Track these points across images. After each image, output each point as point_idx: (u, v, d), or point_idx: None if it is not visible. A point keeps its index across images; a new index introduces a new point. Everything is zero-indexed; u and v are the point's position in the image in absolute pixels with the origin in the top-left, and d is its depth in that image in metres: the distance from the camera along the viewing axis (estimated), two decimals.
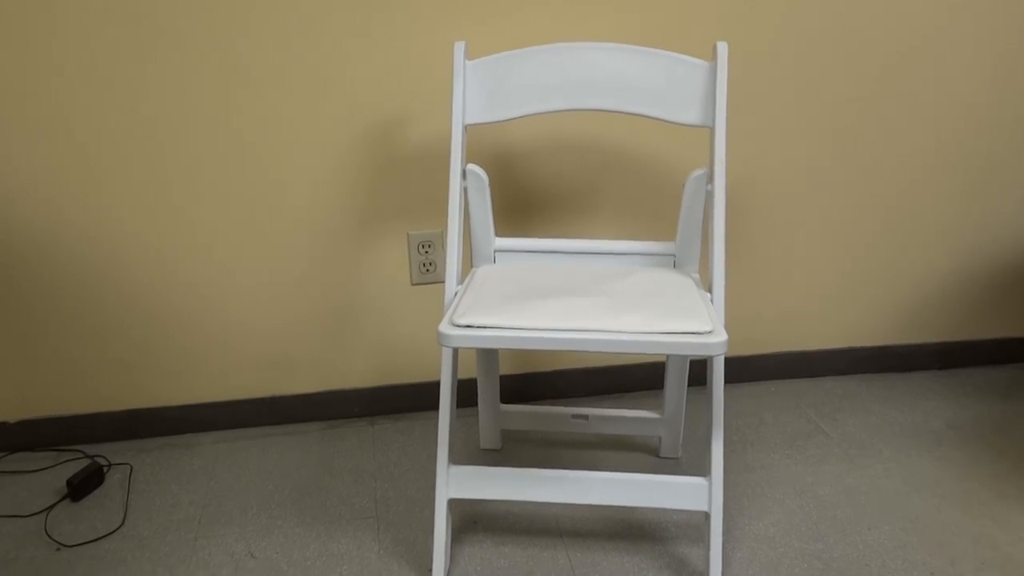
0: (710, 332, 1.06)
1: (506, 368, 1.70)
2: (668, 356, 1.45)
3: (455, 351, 1.25)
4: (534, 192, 1.57)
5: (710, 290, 1.24)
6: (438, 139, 1.50)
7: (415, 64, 1.46)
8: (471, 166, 1.30)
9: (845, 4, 1.51)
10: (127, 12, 1.34)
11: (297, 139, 1.47)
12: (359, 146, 1.49)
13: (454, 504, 1.41)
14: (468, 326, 1.08)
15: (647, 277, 1.28)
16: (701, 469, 1.50)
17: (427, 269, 1.59)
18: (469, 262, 1.40)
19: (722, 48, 1.25)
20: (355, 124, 1.48)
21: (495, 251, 1.37)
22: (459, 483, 1.25)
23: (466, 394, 1.68)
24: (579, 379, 1.72)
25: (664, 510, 1.40)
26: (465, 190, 1.32)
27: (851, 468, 1.50)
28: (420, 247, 1.58)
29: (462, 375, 1.68)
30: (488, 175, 1.30)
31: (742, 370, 1.79)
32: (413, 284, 1.60)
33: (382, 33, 1.43)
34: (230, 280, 1.54)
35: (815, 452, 1.55)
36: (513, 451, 1.57)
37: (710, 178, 1.26)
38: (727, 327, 1.74)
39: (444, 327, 1.08)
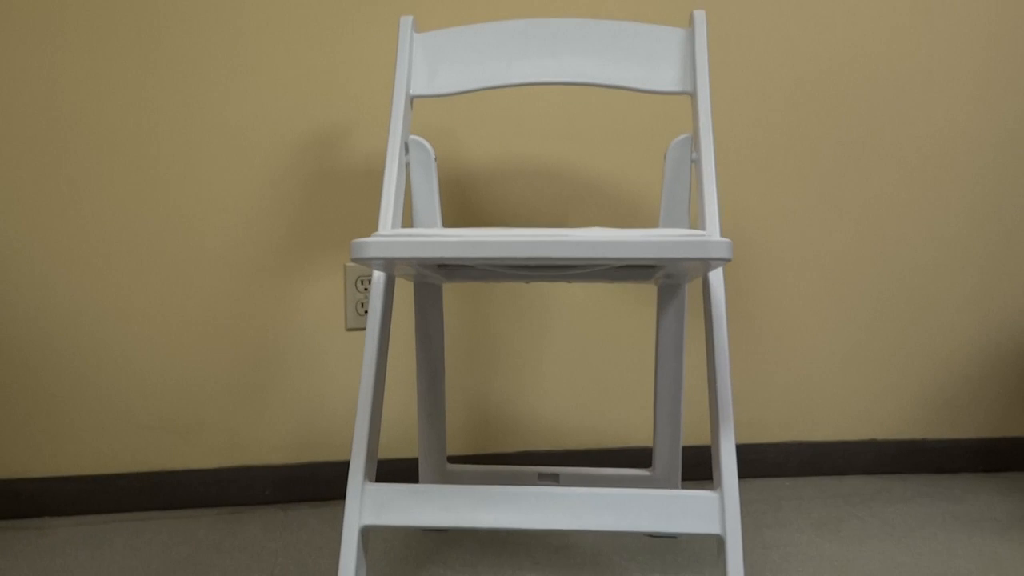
0: (705, 235, 0.81)
1: (456, 446, 1.38)
2: (656, 400, 1.16)
3: (386, 295, 0.97)
4: (495, 220, 1.36)
5: None
6: (384, 155, 1.33)
7: (359, 69, 1.32)
8: (415, 137, 1.12)
9: (862, 61, 1.42)
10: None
11: (213, 147, 1.29)
12: (290, 159, 1.31)
13: (374, 543, 1.05)
14: (395, 235, 0.83)
15: None
16: (705, 554, 1.15)
17: (366, 310, 1.34)
18: None
19: (699, 16, 1.13)
20: (286, 132, 1.30)
21: None
22: (379, 505, 0.91)
23: (409, 475, 1.34)
24: (551, 463, 1.39)
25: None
26: (407, 166, 1.12)
27: (901, 548, 1.15)
28: (358, 283, 1.33)
29: (403, 453, 1.36)
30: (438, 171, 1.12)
31: (747, 464, 1.46)
32: (348, 329, 1.34)
33: (321, 34, 1.31)
34: (121, 316, 1.28)
35: (851, 533, 1.21)
36: None
37: (695, 145, 1.07)
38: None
39: (359, 240, 0.83)
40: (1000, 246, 1.49)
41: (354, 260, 0.82)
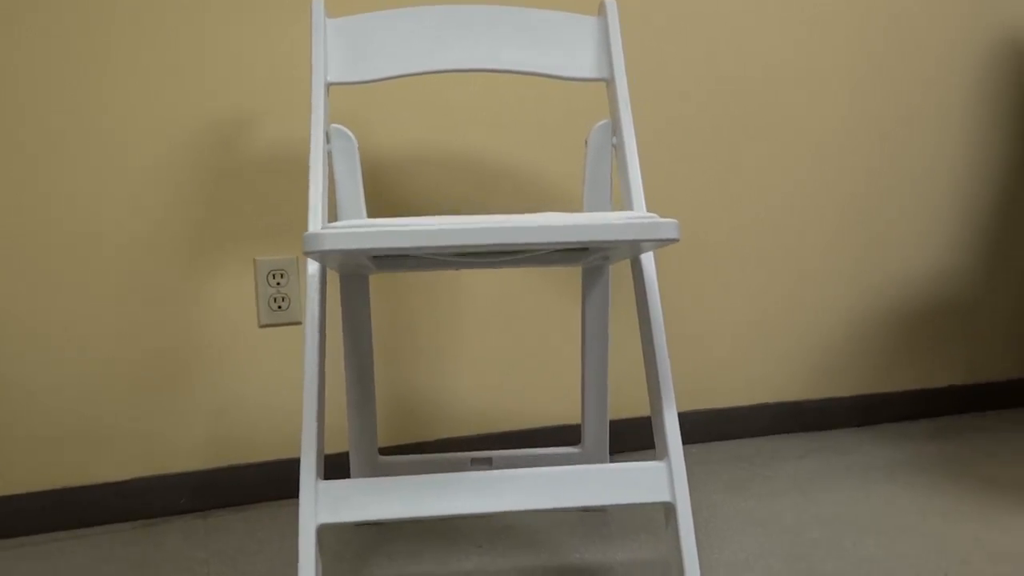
0: (655, 217, 0.85)
1: (384, 437, 1.37)
2: (583, 380, 1.20)
3: (322, 289, 0.95)
4: (416, 209, 1.35)
5: None
6: (298, 143, 1.29)
7: (266, 55, 1.27)
8: (336, 126, 1.09)
9: (721, 56, 1.50)
10: None
11: (111, 136, 1.21)
12: (196, 147, 1.25)
13: (328, 548, 1.03)
14: (348, 226, 0.81)
15: None
16: (636, 524, 1.20)
17: (279, 306, 1.30)
18: None
19: (610, 3, 1.16)
20: (189, 121, 1.24)
21: None
22: (334, 502, 0.90)
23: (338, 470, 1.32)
24: (480, 447, 1.41)
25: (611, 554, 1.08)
26: (330, 155, 1.09)
27: (808, 500, 1.25)
28: (271, 277, 1.29)
29: (330, 448, 1.33)
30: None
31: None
32: (261, 326, 1.29)
33: (227, 18, 1.25)
34: (8, 319, 1.18)
35: (761, 490, 1.30)
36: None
37: (616, 129, 1.11)
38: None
39: (313, 232, 0.81)
40: (873, 228, 1.63)
41: (307, 253, 0.80)
